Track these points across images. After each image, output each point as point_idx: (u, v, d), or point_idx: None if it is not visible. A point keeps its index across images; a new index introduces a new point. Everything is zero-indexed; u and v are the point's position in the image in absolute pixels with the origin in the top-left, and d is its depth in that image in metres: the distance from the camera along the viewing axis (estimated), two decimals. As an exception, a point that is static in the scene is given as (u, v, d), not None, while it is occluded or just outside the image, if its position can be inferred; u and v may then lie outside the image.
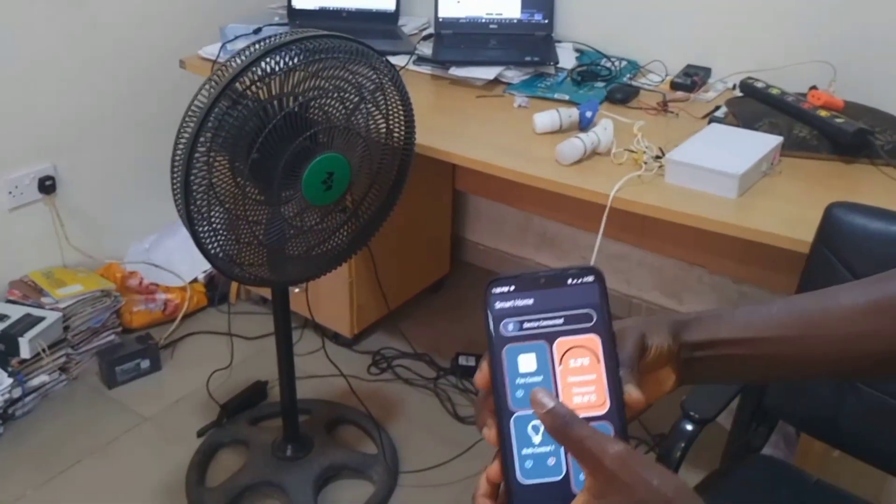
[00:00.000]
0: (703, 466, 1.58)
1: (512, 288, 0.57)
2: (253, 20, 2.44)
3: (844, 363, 0.65)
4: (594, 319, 0.56)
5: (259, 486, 2.02)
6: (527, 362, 0.56)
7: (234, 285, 2.75)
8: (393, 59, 1.93)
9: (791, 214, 1.58)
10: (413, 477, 2.09)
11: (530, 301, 0.56)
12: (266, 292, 2.31)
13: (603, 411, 0.55)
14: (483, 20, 2.39)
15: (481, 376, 0.57)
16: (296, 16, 2.49)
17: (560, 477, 0.55)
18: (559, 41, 2.38)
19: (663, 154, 1.74)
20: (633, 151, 1.79)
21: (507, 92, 2.15)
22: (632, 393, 0.57)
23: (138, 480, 2.08)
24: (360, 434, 2.24)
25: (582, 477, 0.53)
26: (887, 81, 1.96)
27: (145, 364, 2.44)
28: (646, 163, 1.74)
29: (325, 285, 2.42)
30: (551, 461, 0.55)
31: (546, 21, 2.37)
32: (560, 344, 0.56)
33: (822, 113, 1.79)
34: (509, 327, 0.56)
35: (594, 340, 0.56)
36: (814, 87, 1.91)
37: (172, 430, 2.24)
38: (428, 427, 2.28)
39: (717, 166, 1.64)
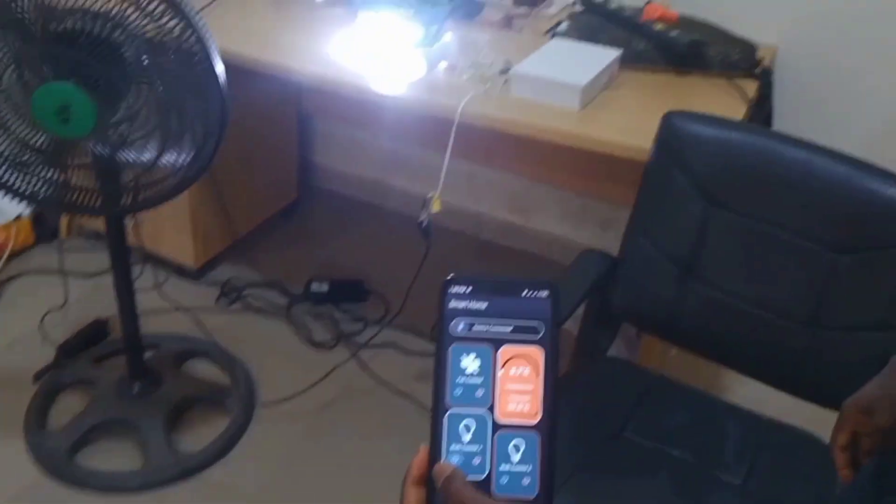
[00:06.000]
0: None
1: (469, 289, 0.59)
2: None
3: None
4: (541, 333, 0.58)
5: (106, 424, 1.93)
6: (470, 363, 0.58)
7: (64, 220, 2.58)
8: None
9: (630, 124, 1.62)
10: (270, 407, 2.05)
11: (484, 305, 0.59)
12: (100, 227, 2.17)
13: (534, 422, 0.58)
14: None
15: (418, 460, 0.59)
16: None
17: (483, 476, 0.58)
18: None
19: (508, 68, 1.74)
20: (478, 67, 1.78)
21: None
22: None
23: (-30, 431, 1.94)
24: (213, 367, 2.18)
25: (503, 480, 0.57)
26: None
27: (-31, 308, 2.26)
28: (491, 78, 1.74)
29: (165, 215, 2.30)
30: (476, 461, 0.58)
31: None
32: (505, 351, 0.58)
33: (658, 26, 1.84)
34: (459, 326, 0.59)
35: (538, 353, 0.58)
36: (650, 1, 1.95)
37: (6, 377, 2.09)
38: (283, 356, 2.24)
39: (560, 78, 1.66)
